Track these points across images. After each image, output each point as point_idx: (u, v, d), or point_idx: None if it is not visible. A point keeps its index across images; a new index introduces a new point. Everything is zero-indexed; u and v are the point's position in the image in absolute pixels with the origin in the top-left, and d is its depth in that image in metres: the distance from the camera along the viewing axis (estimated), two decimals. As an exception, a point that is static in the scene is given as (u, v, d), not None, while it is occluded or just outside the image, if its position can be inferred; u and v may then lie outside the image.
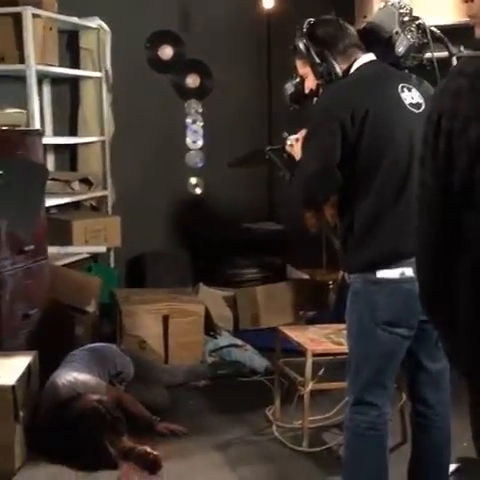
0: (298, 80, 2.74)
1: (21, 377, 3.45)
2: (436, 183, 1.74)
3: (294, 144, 2.79)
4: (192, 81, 6.08)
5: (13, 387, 3.33)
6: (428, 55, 2.68)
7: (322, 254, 5.75)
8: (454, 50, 2.62)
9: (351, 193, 2.56)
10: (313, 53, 2.59)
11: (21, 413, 3.38)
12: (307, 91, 2.71)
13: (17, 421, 3.36)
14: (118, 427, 3.51)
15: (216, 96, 6.05)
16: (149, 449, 3.46)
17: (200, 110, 6.09)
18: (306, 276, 5.87)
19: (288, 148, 2.83)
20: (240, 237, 5.92)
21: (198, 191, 6.13)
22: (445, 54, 2.69)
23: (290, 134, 2.84)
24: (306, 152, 2.60)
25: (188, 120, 6.08)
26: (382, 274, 2.54)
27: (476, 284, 1.69)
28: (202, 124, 6.09)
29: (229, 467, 3.50)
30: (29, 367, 3.59)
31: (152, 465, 3.42)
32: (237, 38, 6.03)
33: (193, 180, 6.12)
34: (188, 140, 6.09)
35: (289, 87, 2.79)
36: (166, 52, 5.98)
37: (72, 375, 3.67)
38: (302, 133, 2.74)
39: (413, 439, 2.79)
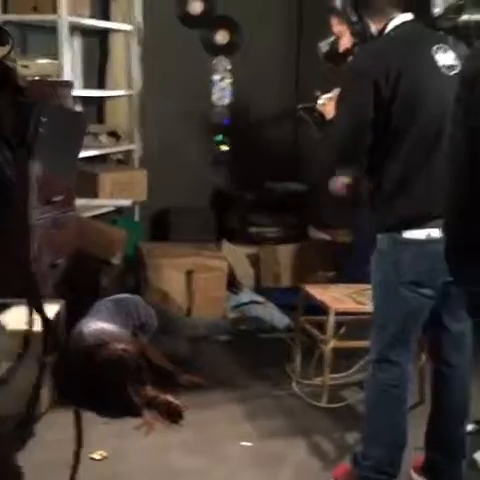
0: (333, 39, 2.75)
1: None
2: (467, 139, 1.76)
3: (326, 103, 2.81)
4: (221, 37, 6.05)
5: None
6: (464, 17, 2.68)
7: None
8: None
9: (382, 153, 2.58)
10: (350, 12, 2.59)
11: (49, 359, 3.46)
12: (342, 50, 2.73)
13: (44, 367, 3.44)
14: (142, 376, 3.59)
15: (245, 53, 6.02)
16: (171, 398, 3.54)
17: (228, 67, 6.07)
18: (327, 237, 5.90)
19: (320, 107, 2.85)
20: (264, 196, 5.95)
21: (224, 148, 6.14)
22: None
23: (322, 93, 2.86)
24: (340, 111, 2.61)
25: (216, 77, 6.07)
26: (409, 234, 2.57)
27: None
28: (230, 81, 6.08)
29: (248, 419, 3.58)
30: (57, 315, 3.67)
31: (174, 414, 3.50)
32: (268, -5, 5.99)
33: (219, 137, 6.12)
34: (215, 97, 6.08)
35: (324, 46, 2.80)
36: (196, 7, 5.94)
37: (98, 324, 3.75)
38: (335, 92, 2.76)
39: (433, 399, 2.84)
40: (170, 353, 3.97)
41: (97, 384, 3.50)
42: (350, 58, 2.69)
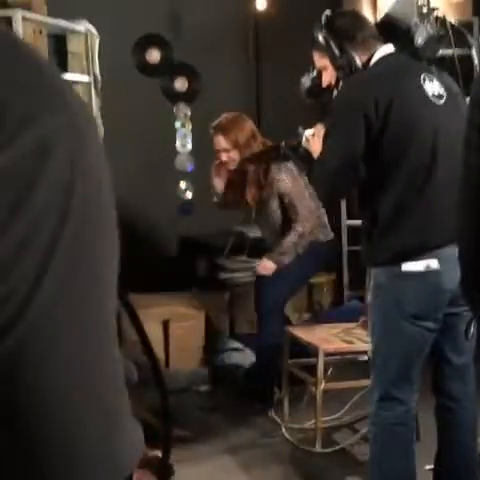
0: (315, 74, 2.71)
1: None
2: None
3: (310, 139, 2.77)
4: (180, 84, 6.03)
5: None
6: (448, 52, 2.68)
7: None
8: (473, 42, 2.60)
9: (374, 185, 2.53)
10: (333, 45, 2.56)
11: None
12: (325, 84, 2.68)
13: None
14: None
15: (205, 99, 6.00)
16: (161, 455, 3.39)
17: (189, 113, 6.04)
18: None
19: (304, 143, 2.80)
20: (232, 240, 5.88)
21: (188, 195, 6.07)
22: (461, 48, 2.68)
23: (304, 129, 2.82)
24: (328, 146, 2.56)
25: (177, 124, 6.03)
26: (407, 267, 2.51)
27: None
28: (191, 127, 6.05)
29: (242, 470, 3.45)
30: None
31: (164, 471, 3.35)
32: (225, 41, 6.00)
33: (183, 184, 6.06)
34: (177, 144, 6.04)
35: (305, 81, 2.76)
36: (154, 56, 5.92)
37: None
38: (318, 128, 2.71)
39: (440, 435, 2.75)
40: (151, 406, 3.83)
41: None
42: (334, 93, 2.64)
